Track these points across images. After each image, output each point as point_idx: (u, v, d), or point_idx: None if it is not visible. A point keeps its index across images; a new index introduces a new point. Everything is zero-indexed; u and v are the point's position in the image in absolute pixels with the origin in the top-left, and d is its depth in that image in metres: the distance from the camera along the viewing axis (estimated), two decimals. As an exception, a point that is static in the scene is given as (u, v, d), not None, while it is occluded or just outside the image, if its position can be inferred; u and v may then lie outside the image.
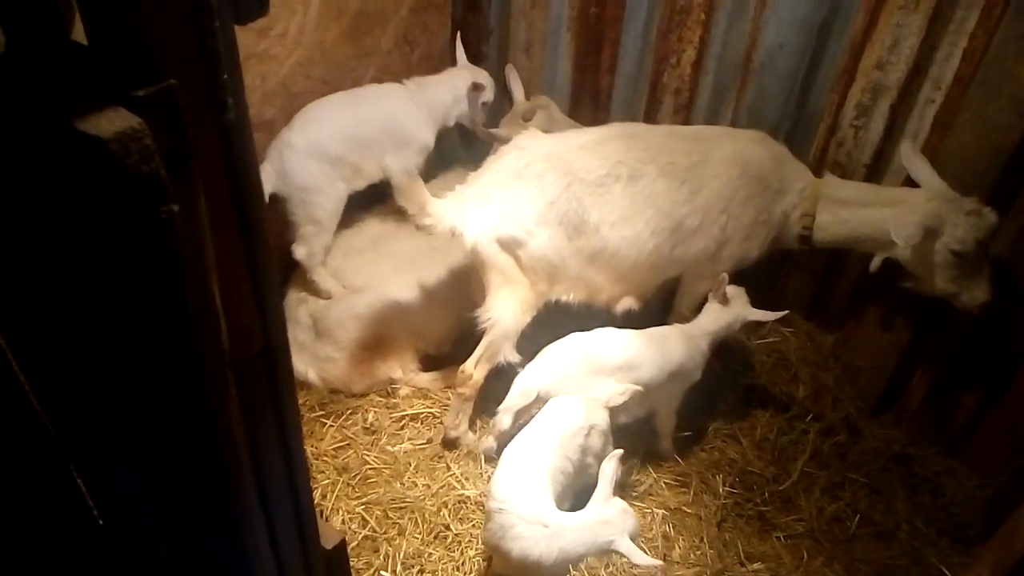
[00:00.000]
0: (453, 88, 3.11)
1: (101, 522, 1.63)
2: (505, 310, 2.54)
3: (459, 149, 3.63)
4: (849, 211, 2.59)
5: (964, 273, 2.44)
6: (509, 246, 2.50)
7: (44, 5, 0.87)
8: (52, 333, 1.19)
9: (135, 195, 0.74)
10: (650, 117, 3.16)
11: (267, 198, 2.77)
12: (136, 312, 0.90)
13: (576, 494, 2.39)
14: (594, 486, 2.29)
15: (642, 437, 2.73)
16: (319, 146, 2.79)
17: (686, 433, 2.82)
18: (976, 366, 2.68)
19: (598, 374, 2.50)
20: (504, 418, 2.55)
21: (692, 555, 2.44)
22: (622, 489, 2.52)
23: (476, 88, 3.13)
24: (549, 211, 2.48)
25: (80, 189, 0.77)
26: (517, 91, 3.35)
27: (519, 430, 2.44)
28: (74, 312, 1.07)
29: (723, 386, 2.97)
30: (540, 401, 2.49)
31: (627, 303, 2.75)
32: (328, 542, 1.47)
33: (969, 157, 2.46)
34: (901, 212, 2.45)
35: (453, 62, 3.41)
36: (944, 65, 2.46)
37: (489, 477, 2.65)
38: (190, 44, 0.81)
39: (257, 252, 1.00)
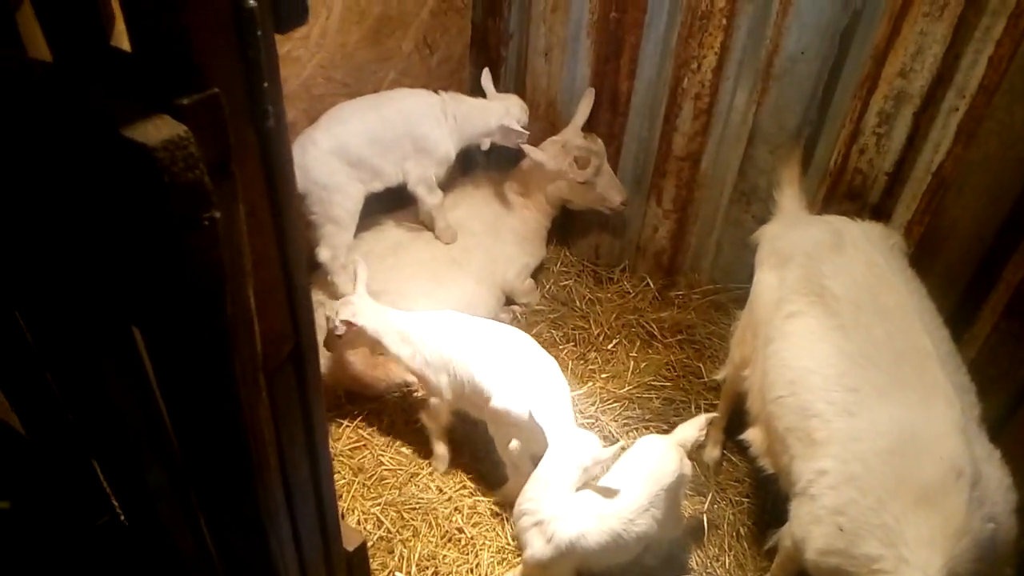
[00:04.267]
0: (485, 121, 3.10)
1: (123, 519, 1.65)
2: None
3: (479, 154, 3.64)
4: None
5: None
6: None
7: (87, 14, 0.88)
8: (83, 335, 1.21)
9: (179, 202, 0.75)
10: (669, 122, 3.15)
11: (292, 196, 2.80)
12: (174, 316, 0.91)
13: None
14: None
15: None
16: (342, 145, 2.81)
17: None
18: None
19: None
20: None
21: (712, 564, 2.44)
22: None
23: (504, 131, 3.11)
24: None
25: (124, 195, 0.78)
26: (581, 116, 3.28)
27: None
28: (109, 313, 1.09)
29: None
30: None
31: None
32: (350, 544, 1.48)
33: (993, 167, 2.44)
34: None
35: (472, 65, 3.42)
36: (969, 73, 2.44)
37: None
38: (233, 52, 0.82)
39: (291, 255, 1.01)
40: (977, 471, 1.72)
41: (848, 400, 1.96)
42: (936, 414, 1.83)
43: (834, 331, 2.08)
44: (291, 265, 1.01)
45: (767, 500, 2.62)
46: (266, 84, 0.86)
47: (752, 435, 2.35)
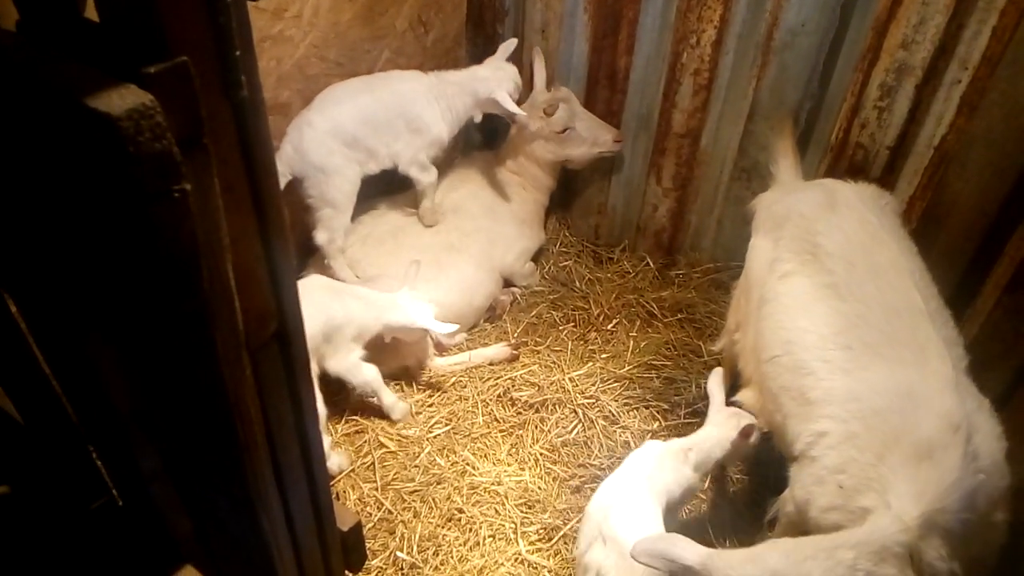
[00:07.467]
0: (473, 92, 3.01)
1: (120, 503, 1.65)
2: None
3: (476, 134, 3.61)
4: None
5: None
6: None
7: (56, -18, 0.86)
8: (71, 317, 1.20)
9: (146, 174, 0.73)
10: (668, 98, 3.11)
11: (287, 178, 2.77)
12: (150, 293, 0.89)
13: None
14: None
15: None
16: (337, 125, 2.77)
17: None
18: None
19: None
20: None
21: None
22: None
23: (492, 103, 3.02)
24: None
25: (91, 167, 0.76)
26: (539, 77, 3.25)
27: None
28: (92, 294, 1.07)
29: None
30: None
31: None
32: (344, 524, 1.48)
33: (997, 139, 2.40)
34: None
35: (468, 43, 3.37)
36: (972, 44, 2.39)
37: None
38: (202, 21, 0.80)
39: (272, 232, 0.99)
40: (972, 424, 1.73)
41: (843, 358, 1.97)
42: (930, 371, 1.83)
43: (828, 289, 2.09)
44: (273, 242, 0.99)
45: (768, 476, 2.62)
46: (238, 53, 0.83)
47: (745, 396, 2.35)
